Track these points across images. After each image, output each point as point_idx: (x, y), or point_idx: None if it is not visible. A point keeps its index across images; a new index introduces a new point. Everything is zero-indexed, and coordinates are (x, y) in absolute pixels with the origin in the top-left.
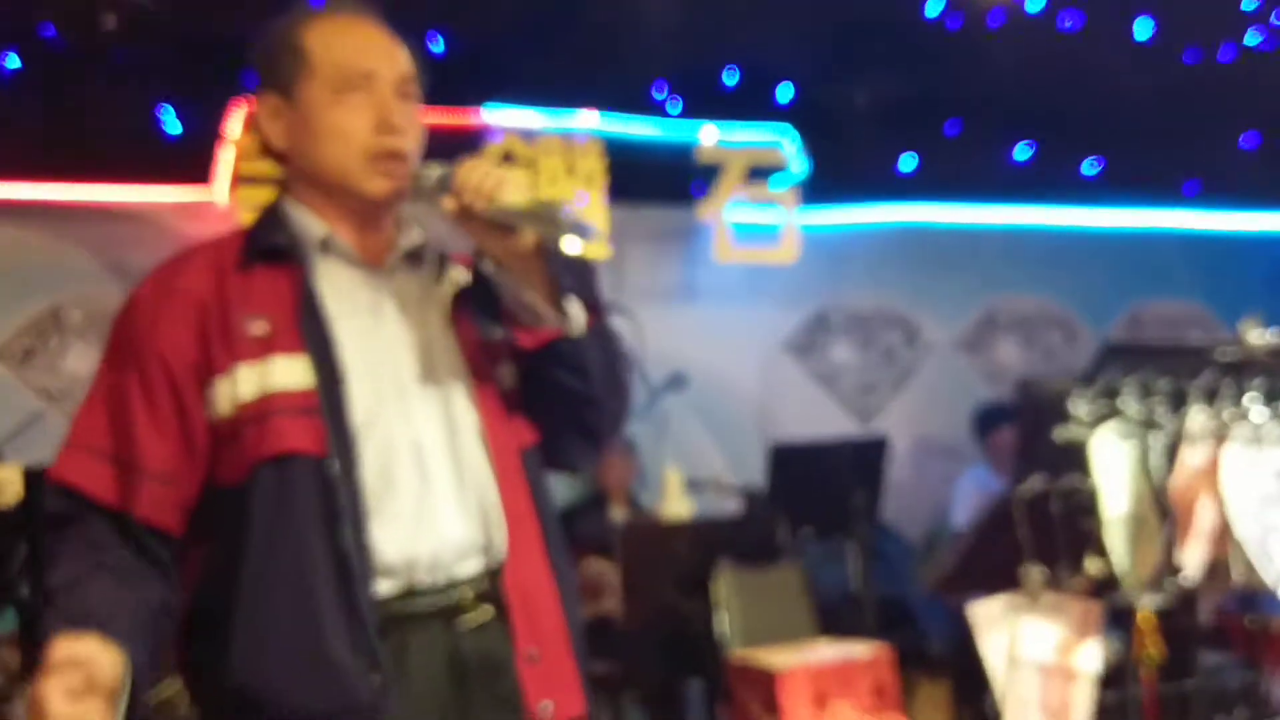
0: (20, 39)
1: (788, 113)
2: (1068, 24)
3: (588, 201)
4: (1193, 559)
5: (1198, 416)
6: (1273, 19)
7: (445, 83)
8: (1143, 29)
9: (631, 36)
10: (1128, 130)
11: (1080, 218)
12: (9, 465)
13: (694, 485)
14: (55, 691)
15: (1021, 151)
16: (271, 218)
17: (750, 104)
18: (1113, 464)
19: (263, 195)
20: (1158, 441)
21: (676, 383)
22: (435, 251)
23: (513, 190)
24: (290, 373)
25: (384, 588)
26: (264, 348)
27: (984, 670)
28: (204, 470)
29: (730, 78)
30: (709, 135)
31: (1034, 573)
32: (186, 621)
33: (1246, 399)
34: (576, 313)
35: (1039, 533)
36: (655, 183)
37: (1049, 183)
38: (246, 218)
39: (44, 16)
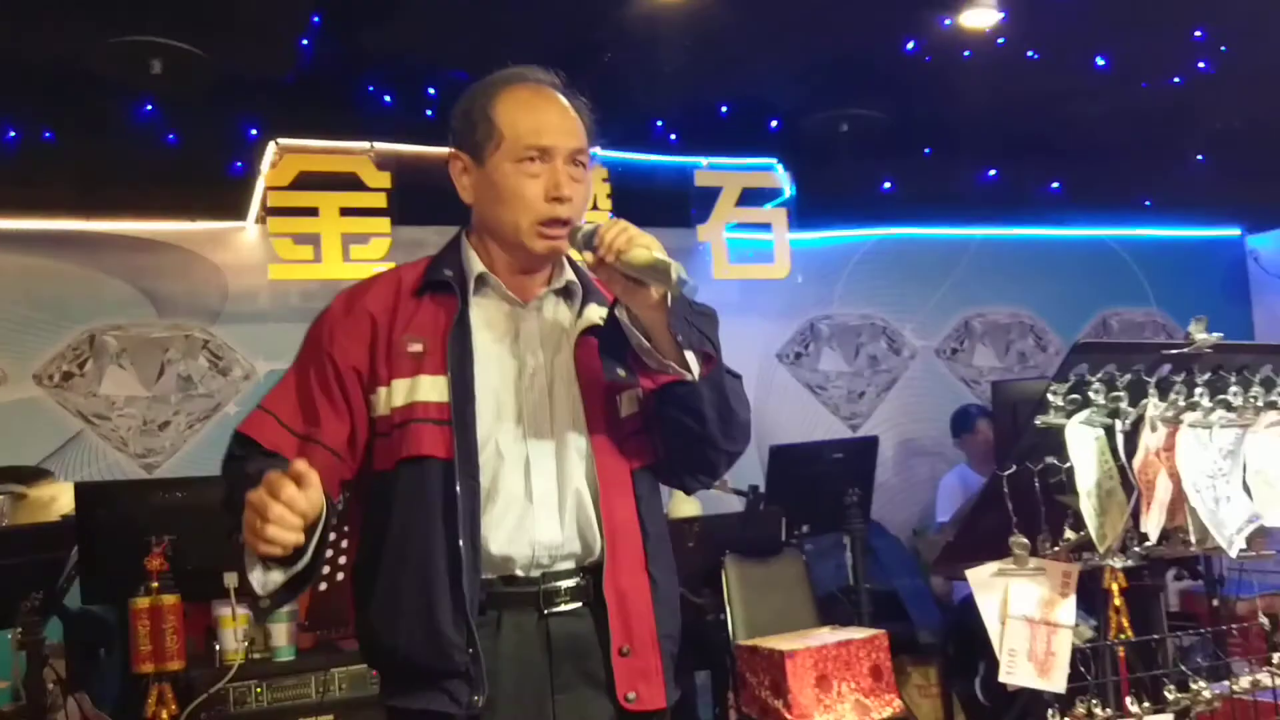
0: (69, 80)
1: (777, 141)
2: (1031, 55)
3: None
4: (1153, 526)
5: (1155, 405)
6: (1220, 48)
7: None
8: (1098, 60)
9: (636, 77)
10: (1086, 152)
11: (1046, 233)
12: (60, 482)
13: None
14: (280, 487)
15: (990, 173)
16: (448, 253)
17: (742, 134)
18: (1084, 447)
19: (290, 225)
20: (1121, 427)
21: None
22: (582, 290)
23: (639, 250)
24: (433, 389)
25: (488, 574)
26: (416, 366)
27: (967, 656)
28: (362, 456)
29: (724, 111)
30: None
31: (1019, 542)
32: (352, 570)
33: (1197, 390)
34: (692, 361)
35: (1023, 509)
36: (658, 207)
37: (1016, 202)
38: (278, 246)
39: (92, 61)
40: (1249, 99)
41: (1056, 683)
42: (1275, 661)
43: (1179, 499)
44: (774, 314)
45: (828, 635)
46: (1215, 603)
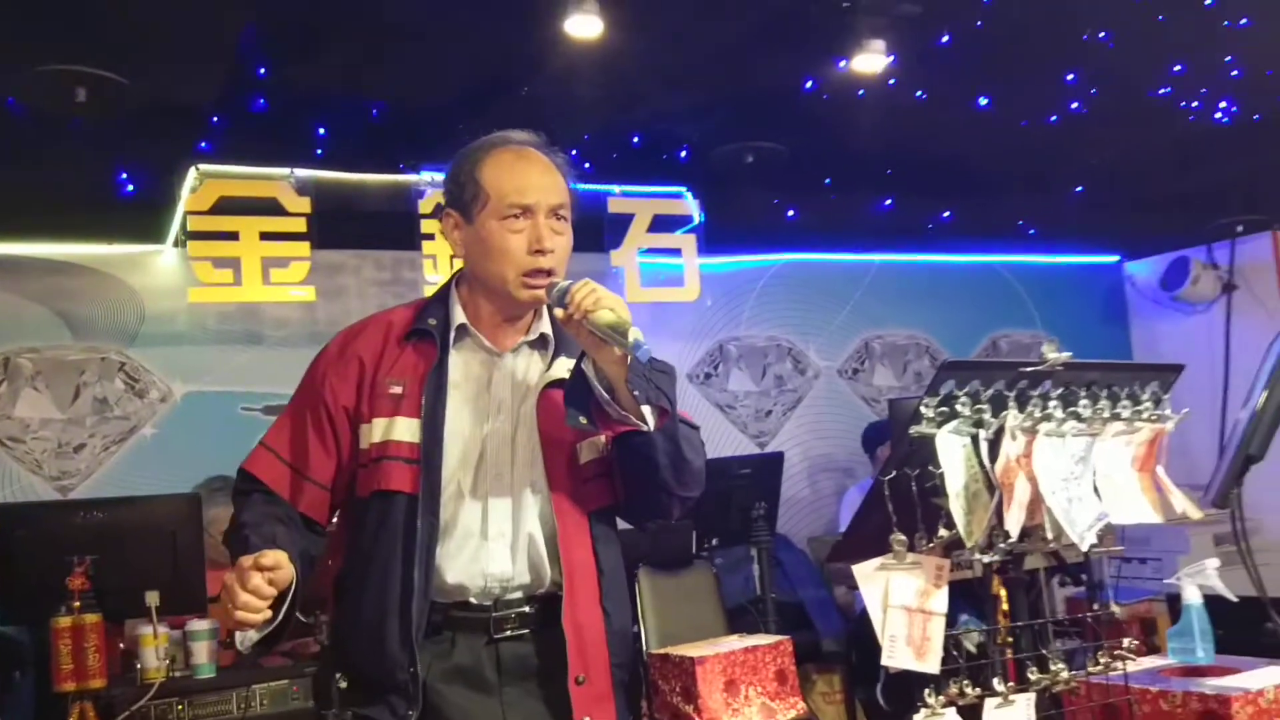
0: None
1: (686, 171)
2: (919, 96)
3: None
4: (1013, 523)
5: (1014, 416)
6: (1090, 91)
7: (383, 148)
8: (981, 100)
9: (552, 109)
10: (973, 183)
11: (940, 259)
12: None
13: None
14: (246, 577)
15: (886, 203)
16: (435, 302)
17: (653, 164)
18: (952, 454)
19: (211, 249)
20: (985, 436)
21: None
22: (555, 342)
23: (604, 311)
24: (406, 430)
25: (443, 599)
26: (394, 407)
27: (870, 664)
28: (348, 485)
29: (635, 141)
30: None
31: (898, 539)
32: (333, 584)
33: (1051, 403)
34: (649, 414)
35: (904, 511)
36: (575, 233)
37: (911, 230)
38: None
39: (15, 90)
40: (1119, 136)
41: (931, 664)
42: (1125, 646)
43: (1037, 500)
44: (685, 335)
45: (735, 642)
46: (1095, 606)
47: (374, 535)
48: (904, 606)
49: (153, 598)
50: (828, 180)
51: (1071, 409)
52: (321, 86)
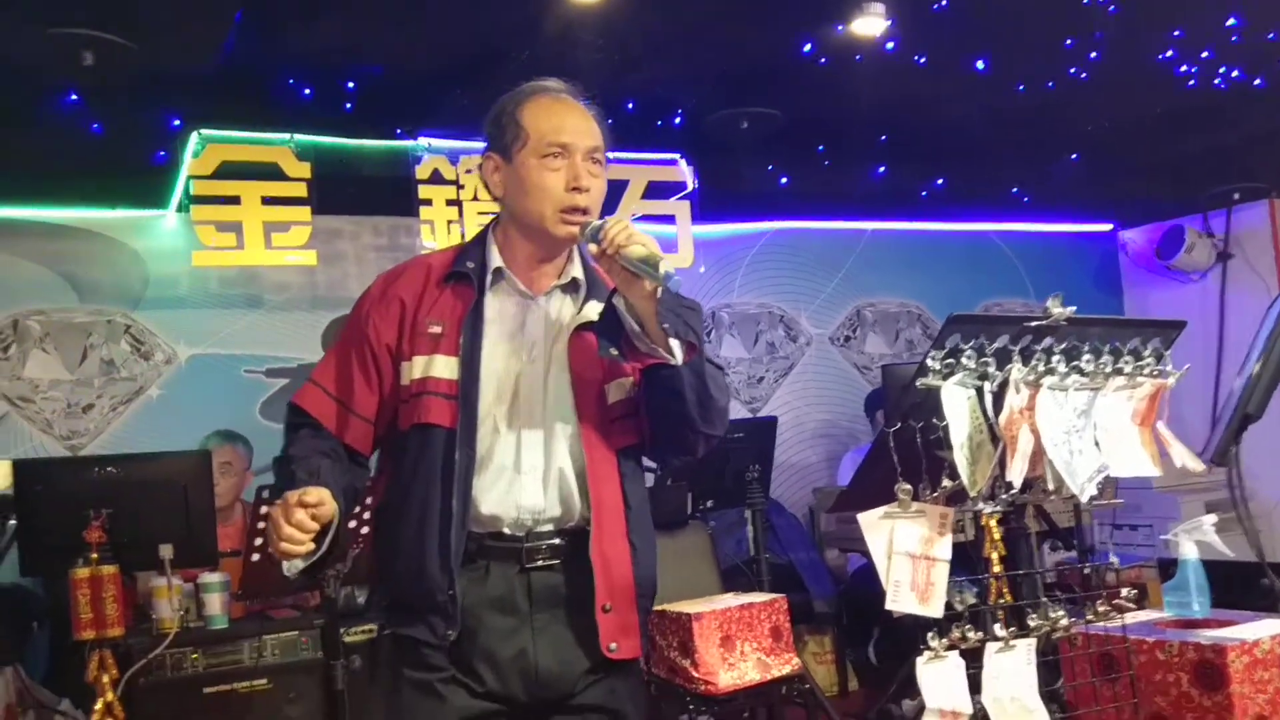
0: None
1: (680, 137)
2: (918, 60)
3: None
4: (1016, 474)
5: (1018, 370)
6: (1089, 55)
7: (380, 114)
8: (978, 64)
9: (546, 72)
10: (966, 150)
11: (932, 228)
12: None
13: None
14: (291, 513)
15: (879, 170)
16: (474, 245)
17: (647, 131)
18: (957, 406)
19: (213, 213)
20: (990, 389)
21: None
22: (587, 285)
23: (636, 246)
24: (445, 368)
25: (478, 529)
26: (434, 345)
27: (861, 624)
28: (391, 418)
29: (630, 108)
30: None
31: (903, 488)
32: (375, 511)
33: (1055, 357)
34: (676, 348)
35: (908, 462)
36: None
37: (903, 197)
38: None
39: (23, 52)
40: (1116, 103)
41: (935, 609)
42: (1124, 596)
43: (1039, 452)
44: None
45: (731, 600)
46: (1087, 571)
47: (414, 466)
48: (908, 553)
49: (166, 550)
50: (820, 147)
51: (1074, 363)
52: (319, 52)
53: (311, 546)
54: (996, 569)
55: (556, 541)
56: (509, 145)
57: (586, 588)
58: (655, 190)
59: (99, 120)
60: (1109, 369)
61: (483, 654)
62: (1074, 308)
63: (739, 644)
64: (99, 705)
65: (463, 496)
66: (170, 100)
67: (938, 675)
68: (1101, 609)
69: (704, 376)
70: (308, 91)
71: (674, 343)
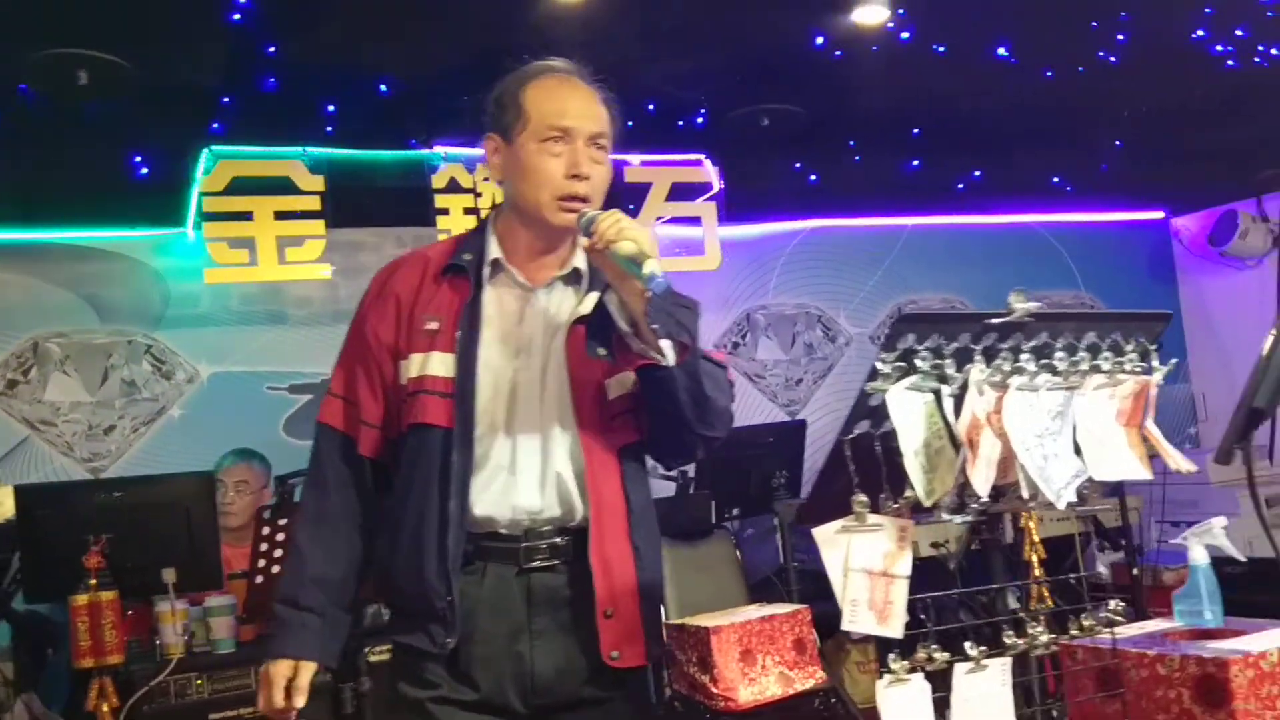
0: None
1: (704, 138)
2: (937, 49)
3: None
4: (979, 481)
5: (979, 370)
6: (1118, 38)
7: (394, 124)
8: (1000, 51)
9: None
10: (1002, 140)
11: (975, 221)
12: (2, 486)
13: None
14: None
15: (914, 163)
16: (473, 236)
17: (670, 132)
18: (909, 410)
19: (225, 229)
20: (948, 392)
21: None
22: (589, 277)
23: (626, 242)
24: (441, 365)
25: (475, 529)
26: (430, 342)
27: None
28: (396, 421)
29: (650, 109)
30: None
31: (859, 501)
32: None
33: (1024, 356)
34: (668, 348)
35: (867, 470)
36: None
37: (941, 191)
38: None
39: (19, 74)
40: (1154, 87)
41: (894, 629)
42: (1111, 607)
43: (1011, 457)
44: (711, 305)
45: (753, 611)
46: (1136, 571)
47: (411, 468)
48: (866, 570)
49: (169, 574)
50: (851, 142)
51: (1044, 361)
52: (328, 64)
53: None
54: (1037, 572)
55: (557, 541)
56: (509, 126)
57: (588, 592)
58: (680, 192)
59: (110, 140)
60: (1085, 366)
61: (479, 661)
62: (1037, 304)
63: (760, 658)
64: None
65: (460, 498)
66: (178, 117)
67: (899, 701)
68: (1088, 623)
69: (699, 377)
70: (319, 105)
71: (665, 343)
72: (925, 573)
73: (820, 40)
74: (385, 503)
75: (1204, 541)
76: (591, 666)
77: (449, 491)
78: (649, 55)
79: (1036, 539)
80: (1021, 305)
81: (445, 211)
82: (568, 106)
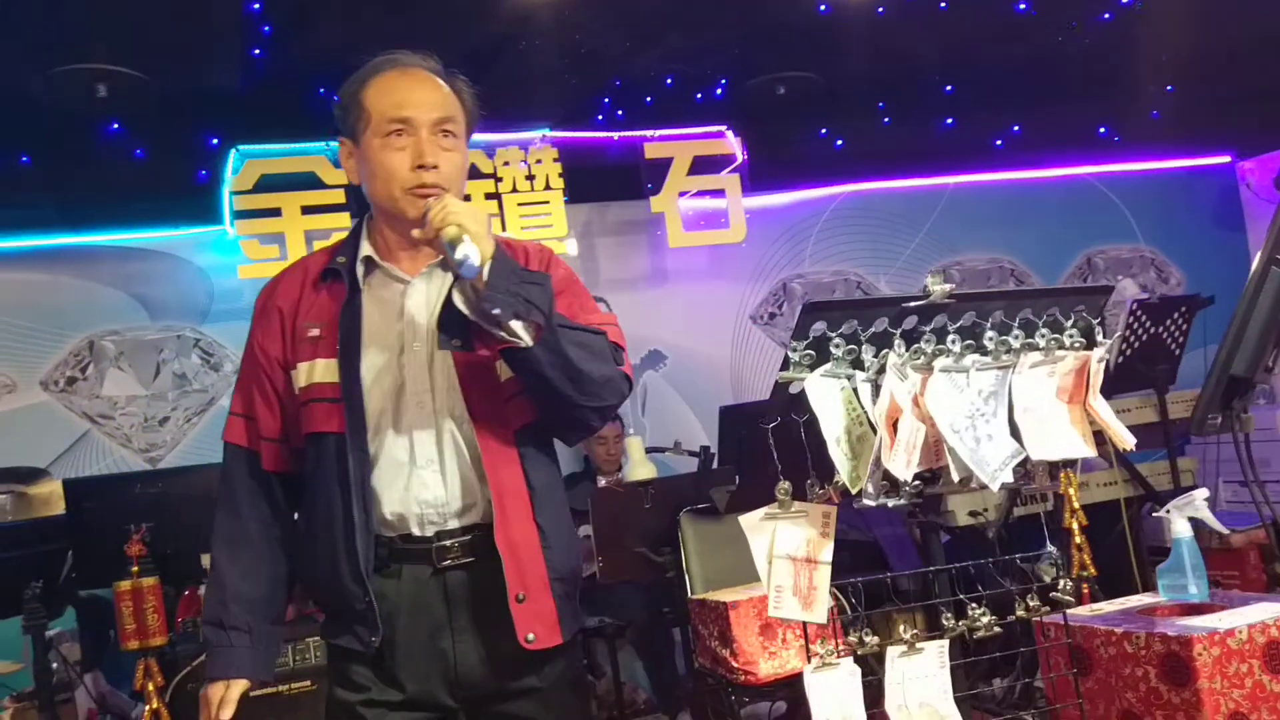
0: (31, 109)
1: (725, 110)
2: (942, 6)
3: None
4: (898, 467)
5: (896, 355)
6: None
7: None
8: (1019, 7)
9: (578, 56)
10: (1036, 93)
11: (1022, 176)
12: (57, 480)
13: (653, 451)
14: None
15: (948, 121)
16: (348, 239)
17: (689, 105)
18: (827, 398)
19: (256, 226)
20: (864, 378)
21: (653, 360)
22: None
23: (450, 228)
24: (326, 371)
25: (387, 532)
26: (314, 350)
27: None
28: (299, 431)
29: (669, 83)
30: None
31: (782, 488)
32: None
33: (950, 338)
34: (520, 329)
35: (792, 458)
36: (611, 183)
37: (979, 148)
38: (246, 247)
39: (40, 89)
40: (1196, 30)
41: (818, 615)
42: (1061, 588)
43: (937, 440)
44: (745, 277)
45: None
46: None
47: (314, 477)
48: (789, 556)
49: (207, 560)
50: (881, 104)
51: (968, 342)
52: (344, 58)
53: None
54: (1078, 540)
55: (467, 538)
56: (354, 127)
57: (500, 580)
58: (703, 165)
59: (141, 146)
60: (1018, 344)
61: (404, 661)
62: (952, 285)
63: (780, 631)
64: (146, 713)
65: (362, 500)
66: (204, 120)
67: (826, 685)
68: (1033, 604)
69: (563, 351)
70: (337, 98)
71: (516, 324)
72: (965, 541)
73: (823, 7)
74: (300, 513)
75: (1186, 514)
76: (516, 655)
77: (350, 495)
78: (664, 29)
79: (1077, 505)
80: (939, 287)
81: (467, 198)
82: (407, 97)
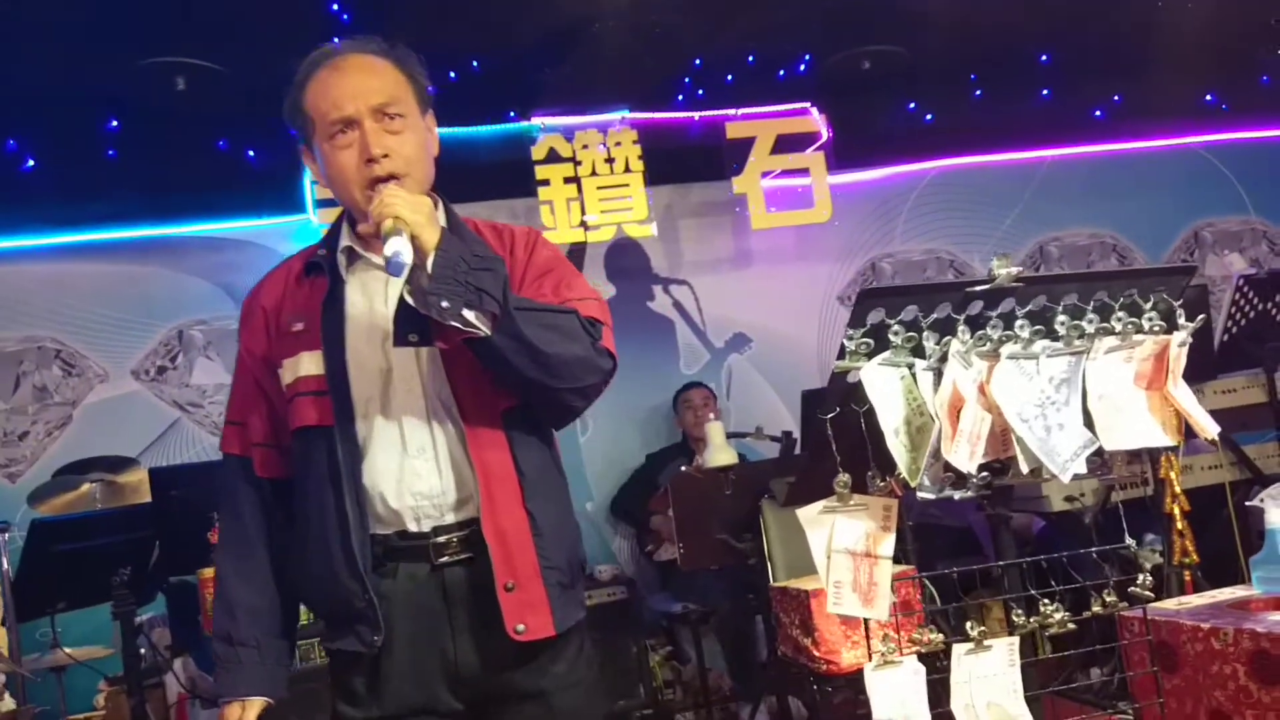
0: (115, 104)
1: (809, 87)
2: None
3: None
4: (959, 458)
5: (960, 342)
6: None
7: (491, 97)
8: None
9: (654, 38)
10: (1135, 63)
11: (1124, 148)
12: (141, 469)
13: (734, 436)
14: None
15: (1044, 93)
16: (330, 233)
17: (773, 83)
18: (885, 388)
19: (335, 216)
20: (926, 366)
21: (737, 343)
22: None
23: (388, 220)
24: (312, 363)
25: (382, 529)
26: (298, 344)
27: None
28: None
29: (750, 61)
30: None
31: (841, 481)
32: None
33: (1018, 323)
34: (475, 318)
35: (853, 450)
36: (694, 163)
37: (1074, 120)
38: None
39: (122, 83)
40: None
41: (879, 611)
42: (1140, 583)
43: (1005, 430)
44: (831, 257)
45: None
46: None
47: (304, 474)
48: (849, 550)
49: None
50: (973, 76)
51: (1037, 327)
52: (422, 48)
53: None
54: (1179, 525)
55: (465, 533)
56: (305, 134)
57: (491, 569)
58: (787, 144)
59: (223, 137)
60: (1092, 329)
61: (405, 666)
62: (1020, 268)
63: (864, 620)
64: None
65: (354, 495)
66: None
67: (887, 683)
68: (1110, 599)
69: (523, 336)
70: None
71: (469, 314)
72: (1061, 527)
73: None
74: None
75: None
76: (515, 650)
77: (342, 491)
78: (744, 5)
79: (1178, 490)
80: (1005, 270)
81: (546, 182)
82: (340, 94)
